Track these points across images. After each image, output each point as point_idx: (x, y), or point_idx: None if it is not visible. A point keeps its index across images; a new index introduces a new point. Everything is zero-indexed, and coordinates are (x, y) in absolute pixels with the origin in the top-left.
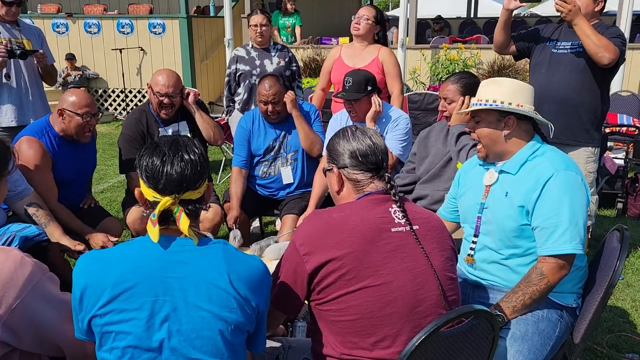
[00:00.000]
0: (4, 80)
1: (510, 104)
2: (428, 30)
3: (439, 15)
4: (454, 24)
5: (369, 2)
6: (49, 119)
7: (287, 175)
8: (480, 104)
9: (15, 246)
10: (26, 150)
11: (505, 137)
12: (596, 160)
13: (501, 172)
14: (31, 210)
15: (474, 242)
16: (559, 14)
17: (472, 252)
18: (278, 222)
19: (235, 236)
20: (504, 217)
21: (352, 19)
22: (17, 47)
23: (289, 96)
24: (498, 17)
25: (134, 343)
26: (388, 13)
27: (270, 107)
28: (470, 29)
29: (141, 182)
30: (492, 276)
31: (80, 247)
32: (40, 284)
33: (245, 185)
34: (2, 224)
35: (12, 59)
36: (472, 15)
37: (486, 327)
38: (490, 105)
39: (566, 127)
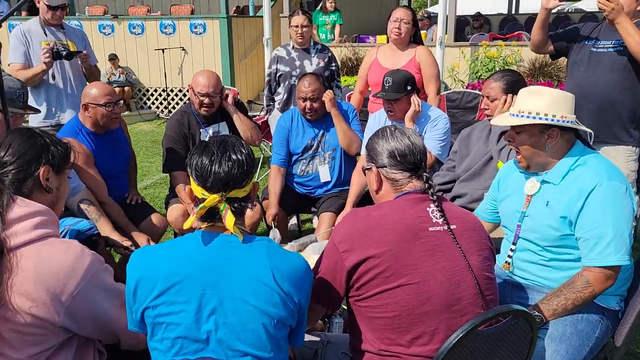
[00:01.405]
0: (51, 81)
1: (554, 116)
2: (467, 28)
3: (479, 12)
4: (494, 20)
5: (406, 1)
6: (79, 117)
7: (325, 173)
8: (523, 116)
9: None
10: None
11: (548, 150)
12: (636, 159)
13: (543, 182)
14: (83, 206)
15: (511, 250)
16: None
17: (510, 260)
18: (315, 219)
19: (275, 236)
20: (545, 227)
21: (390, 21)
22: (62, 49)
23: (327, 95)
24: (595, 12)
25: (184, 334)
26: (427, 9)
27: (308, 103)
28: (511, 25)
29: (191, 179)
30: (531, 275)
31: (127, 243)
32: (97, 274)
33: (284, 183)
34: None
35: (58, 60)
36: (513, 12)
37: (524, 328)
38: (534, 118)
39: (605, 126)
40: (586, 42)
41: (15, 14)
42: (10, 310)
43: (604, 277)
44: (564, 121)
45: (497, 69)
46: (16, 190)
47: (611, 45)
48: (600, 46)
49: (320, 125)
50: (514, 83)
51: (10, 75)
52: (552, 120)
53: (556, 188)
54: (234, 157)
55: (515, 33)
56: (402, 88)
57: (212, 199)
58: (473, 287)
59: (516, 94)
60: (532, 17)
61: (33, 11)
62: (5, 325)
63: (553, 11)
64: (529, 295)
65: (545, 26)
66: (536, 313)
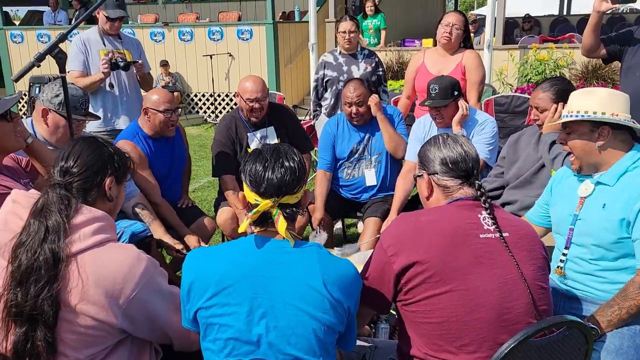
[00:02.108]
0: (108, 89)
1: (603, 113)
2: (516, 30)
3: (528, 14)
4: (544, 22)
5: (453, 2)
6: (138, 122)
7: (371, 177)
8: (571, 115)
9: (124, 240)
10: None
11: (599, 148)
12: None
13: (598, 183)
14: (137, 210)
15: (564, 255)
16: None
17: (562, 265)
18: (360, 224)
19: (321, 238)
20: (600, 230)
21: (440, 25)
22: (120, 60)
23: (373, 99)
24: (622, 13)
25: (235, 336)
26: (474, 12)
27: (354, 108)
28: (563, 27)
29: (244, 185)
30: (585, 287)
31: (179, 246)
32: (153, 278)
33: (330, 188)
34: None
35: (115, 70)
36: (564, 13)
37: (579, 340)
38: (582, 116)
39: None
40: None
41: (71, 23)
42: (71, 313)
43: None
44: (614, 118)
45: (548, 72)
46: (81, 199)
47: None
48: None
49: (366, 129)
50: (563, 92)
51: (73, 83)
52: (602, 117)
53: (612, 189)
54: (286, 164)
55: (567, 35)
56: (449, 94)
57: (265, 204)
58: (526, 296)
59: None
60: (584, 19)
61: (91, 20)
62: (66, 327)
63: (607, 12)
64: (583, 307)
65: (598, 29)
66: (591, 325)
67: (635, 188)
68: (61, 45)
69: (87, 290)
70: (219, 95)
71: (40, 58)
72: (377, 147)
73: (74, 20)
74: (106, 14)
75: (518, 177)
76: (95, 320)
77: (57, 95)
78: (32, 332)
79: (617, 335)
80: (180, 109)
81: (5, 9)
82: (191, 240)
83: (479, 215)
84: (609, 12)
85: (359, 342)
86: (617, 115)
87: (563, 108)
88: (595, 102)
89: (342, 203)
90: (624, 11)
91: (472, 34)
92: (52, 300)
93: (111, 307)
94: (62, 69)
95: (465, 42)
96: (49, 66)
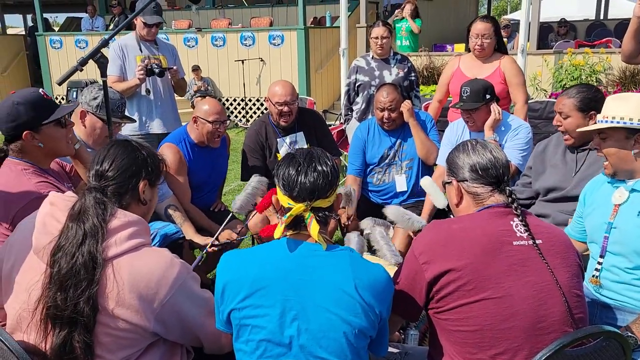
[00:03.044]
0: (144, 94)
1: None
2: (551, 35)
3: (563, 18)
4: (580, 26)
5: (486, 6)
6: (187, 128)
7: (401, 183)
8: (607, 121)
9: (157, 242)
10: (166, 155)
11: (635, 155)
12: None
13: (632, 190)
14: (170, 211)
15: (599, 263)
16: None
17: (597, 274)
18: (391, 230)
19: (351, 239)
20: (636, 237)
21: (470, 36)
22: (156, 67)
23: (405, 105)
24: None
25: (268, 337)
26: (507, 17)
27: (386, 113)
28: (600, 31)
29: (278, 189)
30: (622, 297)
31: (208, 240)
32: (185, 282)
33: (360, 193)
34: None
35: (150, 77)
36: (601, 17)
37: (616, 350)
38: (617, 122)
39: None
40: None
41: (110, 28)
42: (107, 316)
43: None
44: None
45: (584, 77)
46: (117, 202)
47: None
48: None
49: (397, 134)
50: (589, 100)
51: (111, 87)
52: (638, 124)
53: None
54: (319, 168)
55: (604, 40)
56: (481, 97)
57: (297, 207)
58: (561, 304)
59: (594, 111)
60: (622, 23)
61: (130, 26)
62: (102, 329)
63: None
64: (620, 317)
65: (638, 35)
66: (629, 334)
67: None
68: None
69: (123, 294)
70: (249, 100)
71: (83, 62)
72: (408, 153)
73: (112, 26)
74: (144, 20)
75: (547, 190)
76: (130, 324)
77: (95, 98)
78: (71, 335)
79: None
80: (228, 121)
81: (45, 15)
82: (224, 234)
83: (512, 222)
84: None
85: (389, 348)
86: None
87: (595, 118)
88: (632, 108)
89: (372, 208)
90: None
91: (504, 39)
92: (91, 303)
93: (145, 311)
94: (103, 73)
95: (499, 45)
96: (86, 71)
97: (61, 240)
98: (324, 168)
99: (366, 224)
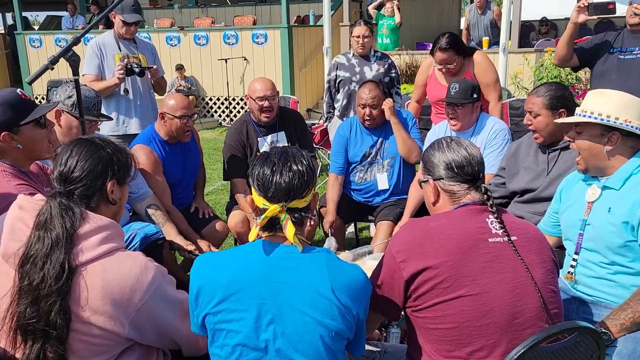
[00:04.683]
0: (122, 94)
1: (617, 119)
2: (533, 33)
3: (545, 17)
4: (561, 25)
5: (469, 4)
6: (154, 126)
7: (383, 181)
8: (585, 116)
9: (137, 243)
10: (139, 156)
11: (607, 153)
12: None
13: (604, 187)
14: (150, 211)
15: (574, 260)
16: None
17: (572, 270)
18: (372, 227)
19: (331, 244)
20: (607, 234)
21: (435, 63)
22: (136, 66)
23: (387, 103)
24: (610, 17)
25: (243, 342)
26: None
27: (368, 110)
28: (580, 30)
29: (253, 190)
30: (597, 291)
31: (191, 247)
32: (161, 286)
33: (341, 191)
34: (126, 222)
35: (130, 76)
36: None
37: (591, 346)
38: (595, 118)
39: None
40: (611, 51)
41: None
42: (79, 323)
43: None
44: (627, 125)
45: (564, 75)
46: (84, 206)
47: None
48: (627, 53)
49: (379, 132)
50: (558, 98)
51: (85, 85)
52: (615, 122)
53: (617, 193)
54: (294, 167)
55: (584, 38)
56: (469, 94)
57: (273, 209)
58: (536, 300)
59: (563, 109)
60: (602, 21)
61: (109, 24)
62: (76, 337)
63: (592, 18)
64: (596, 311)
65: (573, 41)
66: (603, 330)
67: (639, 192)
68: (77, 49)
69: (95, 301)
70: (233, 99)
71: (54, 61)
72: (390, 151)
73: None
74: (123, 18)
75: (521, 191)
76: (103, 330)
77: (69, 97)
78: (44, 347)
79: (630, 340)
80: (196, 115)
81: (24, 14)
82: (202, 244)
83: (487, 220)
84: (596, 18)
85: (368, 347)
86: (630, 122)
87: (565, 116)
88: (610, 106)
89: (354, 206)
90: (613, 15)
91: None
92: (64, 313)
93: (119, 317)
94: (75, 71)
95: (465, 55)
96: (67, 70)
97: (29, 250)
98: (300, 167)
99: (345, 256)
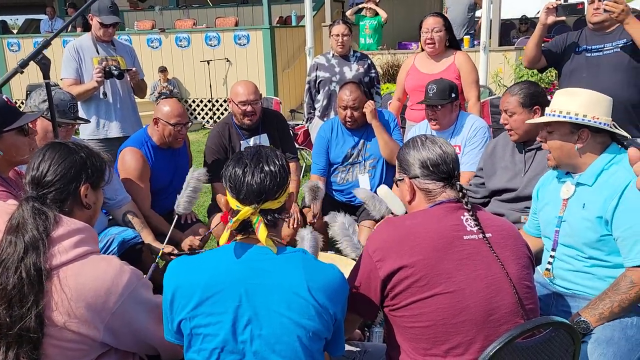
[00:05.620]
0: (101, 97)
1: (585, 116)
2: (513, 31)
3: (524, 15)
4: None
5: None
6: (147, 130)
7: (365, 182)
8: (554, 115)
9: (115, 247)
10: (129, 160)
11: (578, 151)
12: None
13: (578, 184)
14: (128, 217)
15: (551, 256)
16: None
17: (550, 267)
18: (356, 227)
19: (304, 236)
20: (583, 229)
21: (421, 32)
22: (114, 68)
23: (368, 106)
24: (583, 17)
25: (221, 345)
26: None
27: (349, 112)
28: (559, 28)
29: (227, 191)
30: (575, 285)
31: (168, 248)
32: (136, 289)
33: (324, 192)
34: (104, 227)
35: (109, 79)
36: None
37: (566, 340)
38: (564, 117)
39: (618, 124)
40: (577, 50)
41: (69, 30)
42: (53, 328)
43: None
44: (595, 122)
45: (543, 73)
46: (57, 210)
47: (607, 49)
48: (594, 51)
49: (361, 134)
50: (532, 96)
51: (60, 88)
52: (583, 120)
53: (590, 189)
54: (266, 168)
55: (547, 39)
56: (447, 95)
57: (245, 211)
58: (512, 296)
59: (538, 106)
60: (581, 19)
61: (87, 27)
62: (49, 341)
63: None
64: (573, 304)
65: (541, 41)
66: (582, 319)
67: (611, 186)
68: (57, 53)
69: (70, 304)
70: (217, 101)
71: (23, 64)
72: (372, 152)
73: (70, 27)
74: (100, 20)
75: (500, 191)
76: (77, 334)
77: (44, 101)
78: (18, 353)
79: (608, 328)
80: (190, 122)
81: (3, 17)
82: (186, 242)
83: (462, 217)
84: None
85: (348, 347)
86: (597, 118)
87: (539, 112)
88: (578, 104)
89: (336, 206)
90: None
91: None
92: (38, 318)
93: (93, 321)
94: (46, 75)
95: (451, 42)
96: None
97: (0, 255)
98: (272, 168)
99: (330, 217)
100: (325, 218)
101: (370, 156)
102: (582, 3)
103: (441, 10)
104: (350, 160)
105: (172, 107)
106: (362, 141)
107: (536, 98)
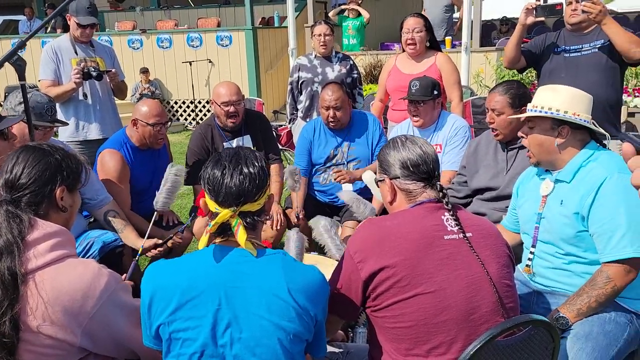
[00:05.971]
0: (81, 98)
1: (566, 112)
2: (494, 32)
3: (505, 16)
4: None
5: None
6: (126, 131)
7: (347, 185)
8: (535, 111)
9: (95, 251)
10: (108, 162)
11: (558, 147)
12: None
13: (557, 181)
14: (109, 218)
15: (531, 253)
16: (634, 10)
17: (530, 263)
18: (339, 228)
19: (290, 237)
20: (561, 225)
21: (402, 32)
22: (93, 70)
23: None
24: (561, 17)
25: (200, 349)
26: (453, 15)
27: (331, 112)
28: (539, 29)
29: (205, 193)
30: (554, 282)
31: (151, 241)
32: (114, 293)
33: (306, 192)
34: (83, 230)
35: (87, 80)
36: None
37: (545, 338)
38: (545, 112)
39: (597, 123)
40: (555, 50)
41: (48, 31)
42: (29, 332)
43: (624, 271)
44: (575, 118)
45: (523, 73)
46: (32, 213)
47: (585, 49)
48: (572, 51)
49: (343, 135)
50: (520, 97)
51: (38, 89)
52: (564, 116)
53: (568, 186)
54: (245, 170)
55: (525, 39)
56: (429, 91)
57: (224, 214)
58: (492, 295)
59: (525, 107)
60: (559, 20)
61: (67, 29)
62: (25, 347)
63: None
64: (553, 301)
65: (521, 42)
66: (561, 315)
67: (588, 183)
68: (35, 54)
69: (46, 308)
70: (199, 102)
71: None
72: (355, 154)
73: (49, 28)
74: (77, 20)
75: (482, 189)
76: (54, 339)
77: (21, 103)
78: None
79: (586, 323)
80: (169, 122)
81: None
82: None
83: (442, 217)
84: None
85: (331, 348)
86: (578, 115)
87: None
88: (559, 100)
89: (319, 207)
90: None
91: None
92: (13, 323)
93: (70, 326)
94: (21, 76)
95: (432, 43)
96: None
97: None
98: (251, 170)
99: (313, 222)
100: (309, 222)
101: (354, 159)
102: (561, 4)
103: (423, 11)
104: (334, 161)
105: (150, 107)
106: (345, 143)
107: (524, 99)
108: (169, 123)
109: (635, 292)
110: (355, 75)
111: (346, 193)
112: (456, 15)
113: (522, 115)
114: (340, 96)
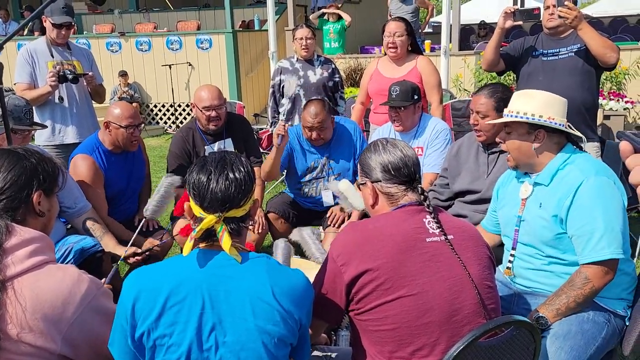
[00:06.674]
0: (57, 102)
1: (541, 116)
2: (472, 36)
3: (483, 21)
4: None
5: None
6: (98, 135)
7: (328, 197)
8: (511, 116)
9: (72, 257)
10: (79, 167)
11: (535, 150)
12: (599, 154)
13: (535, 184)
14: (88, 224)
15: (512, 255)
16: (608, 15)
17: (510, 265)
18: (322, 231)
19: (278, 245)
20: (539, 228)
21: (384, 36)
22: (69, 72)
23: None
24: (539, 21)
25: (185, 355)
26: (432, 19)
27: (314, 133)
28: (517, 33)
29: (190, 198)
30: (534, 283)
31: (131, 249)
32: (95, 299)
33: (287, 197)
34: (61, 236)
35: (63, 83)
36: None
37: (527, 338)
38: (521, 117)
39: (574, 126)
40: (533, 54)
41: (25, 34)
42: (7, 341)
43: (602, 272)
44: (550, 122)
45: (502, 77)
46: (9, 219)
47: (561, 53)
48: (549, 55)
49: (324, 149)
50: (506, 101)
51: (14, 93)
52: (539, 120)
53: (547, 189)
54: (231, 175)
55: (503, 43)
56: (410, 96)
57: (209, 220)
58: (474, 296)
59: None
60: (537, 24)
61: (45, 32)
62: (4, 355)
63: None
64: (534, 302)
65: (500, 45)
66: (540, 315)
67: (565, 186)
68: (12, 57)
69: (25, 316)
70: (179, 106)
71: None
72: (336, 168)
73: (26, 31)
74: (52, 20)
75: (463, 192)
76: (33, 347)
77: None
78: None
79: (565, 322)
80: (143, 124)
81: None
82: (145, 243)
83: (424, 220)
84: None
85: (314, 352)
86: (553, 119)
87: None
88: (534, 105)
89: (301, 211)
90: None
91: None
92: None
93: (50, 333)
94: None
95: (413, 47)
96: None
97: None
98: (237, 175)
99: (294, 234)
100: (290, 236)
101: (335, 171)
102: (538, 8)
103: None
104: (314, 173)
105: (122, 109)
106: (325, 157)
107: (507, 102)
108: (142, 125)
109: (613, 291)
110: (337, 79)
111: (342, 183)
112: (438, 19)
113: (499, 121)
114: (323, 118)
